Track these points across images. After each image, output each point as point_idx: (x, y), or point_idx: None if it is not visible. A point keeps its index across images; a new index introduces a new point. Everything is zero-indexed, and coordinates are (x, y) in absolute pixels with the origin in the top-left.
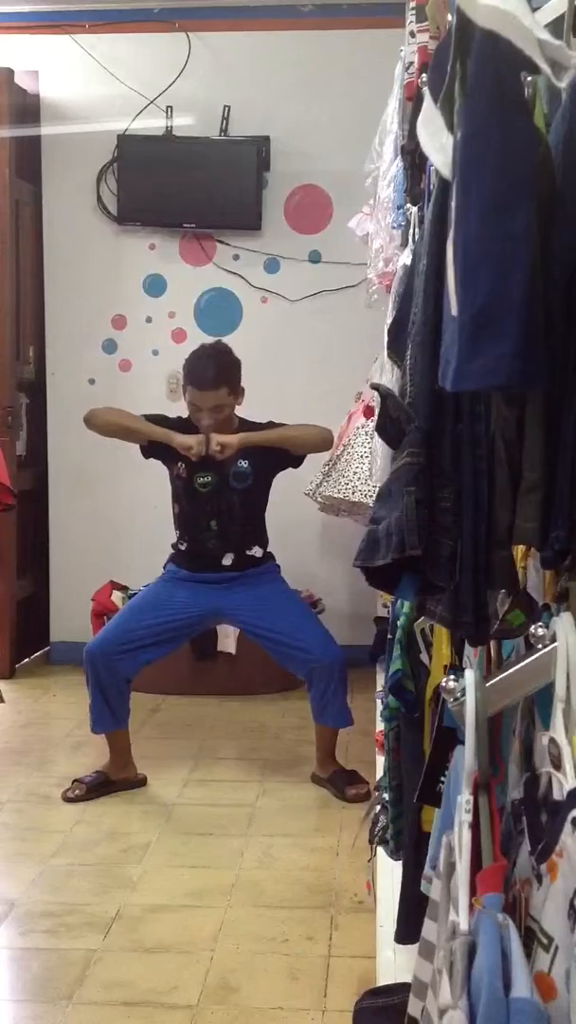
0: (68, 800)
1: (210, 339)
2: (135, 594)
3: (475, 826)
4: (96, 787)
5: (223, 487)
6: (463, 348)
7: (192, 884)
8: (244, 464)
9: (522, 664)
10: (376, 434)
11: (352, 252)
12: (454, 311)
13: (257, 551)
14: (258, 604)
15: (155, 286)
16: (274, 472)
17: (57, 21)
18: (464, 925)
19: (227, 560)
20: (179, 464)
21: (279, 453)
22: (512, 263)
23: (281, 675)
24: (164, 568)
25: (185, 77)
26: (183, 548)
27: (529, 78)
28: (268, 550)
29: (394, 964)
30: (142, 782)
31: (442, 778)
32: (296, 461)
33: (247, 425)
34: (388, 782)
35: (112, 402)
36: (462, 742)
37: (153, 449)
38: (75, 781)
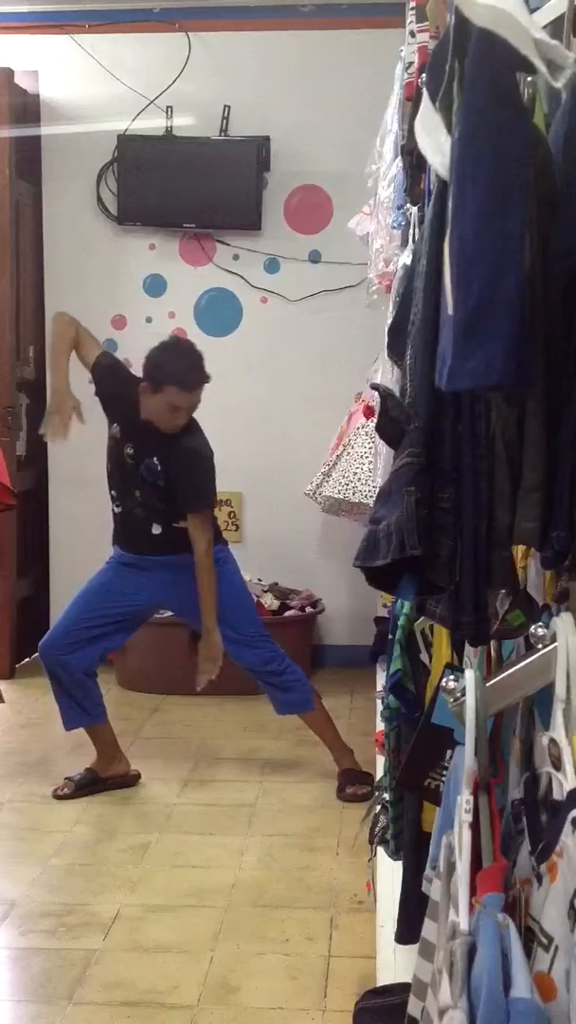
0: (57, 797)
1: (210, 339)
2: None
3: (475, 826)
4: (84, 785)
5: (138, 468)
6: (457, 348)
7: (192, 884)
8: (157, 464)
9: (522, 664)
10: (376, 434)
11: (352, 252)
12: (450, 311)
13: (186, 524)
14: (199, 607)
15: (155, 286)
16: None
17: (57, 21)
18: (464, 925)
19: (156, 529)
20: (115, 425)
21: (179, 495)
22: (505, 264)
23: None
24: (113, 546)
25: (185, 77)
26: (117, 511)
27: (529, 79)
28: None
29: (394, 964)
30: (135, 779)
31: (432, 774)
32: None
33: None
34: (388, 782)
35: None
36: (461, 742)
37: (100, 389)
38: (66, 779)
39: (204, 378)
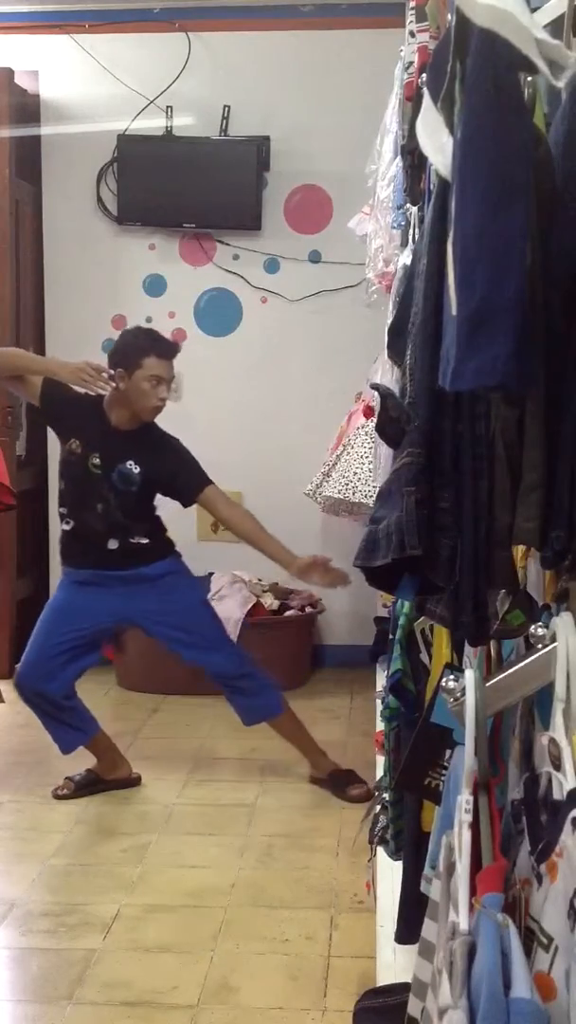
0: (57, 797)
1: (210, 339)
2: None
3: (475, 826)
4: (85, 786)
5: (108, 478)
6: (460, 348)
7: (192, 884)
8: (134, 468)
9: (522, 664)
10: (376, 434)
11: (352, 252)
12: (453, 311)
13: (143, 540)
14: (163, 617)
15: (155, 286)
16: (159, 491)
17: (57, 21)
18: (464, 925)
19: (112, 544)
20: (73, 441)
21: (173, 488)
22: (507, 264)
23: (281, 675)
24: (62, 565)
25: (185, 77)
26: (68, 528)
27: (529, 78)
28: (162, 538)
29: (394, 964)
30: (136, 781)
31: (432, 773)
32: (186, 502)
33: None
34: (388, 782)
35: None
36: (461, 742)
37: (49, 412)
38: (66, 779)
39: (176, 347)
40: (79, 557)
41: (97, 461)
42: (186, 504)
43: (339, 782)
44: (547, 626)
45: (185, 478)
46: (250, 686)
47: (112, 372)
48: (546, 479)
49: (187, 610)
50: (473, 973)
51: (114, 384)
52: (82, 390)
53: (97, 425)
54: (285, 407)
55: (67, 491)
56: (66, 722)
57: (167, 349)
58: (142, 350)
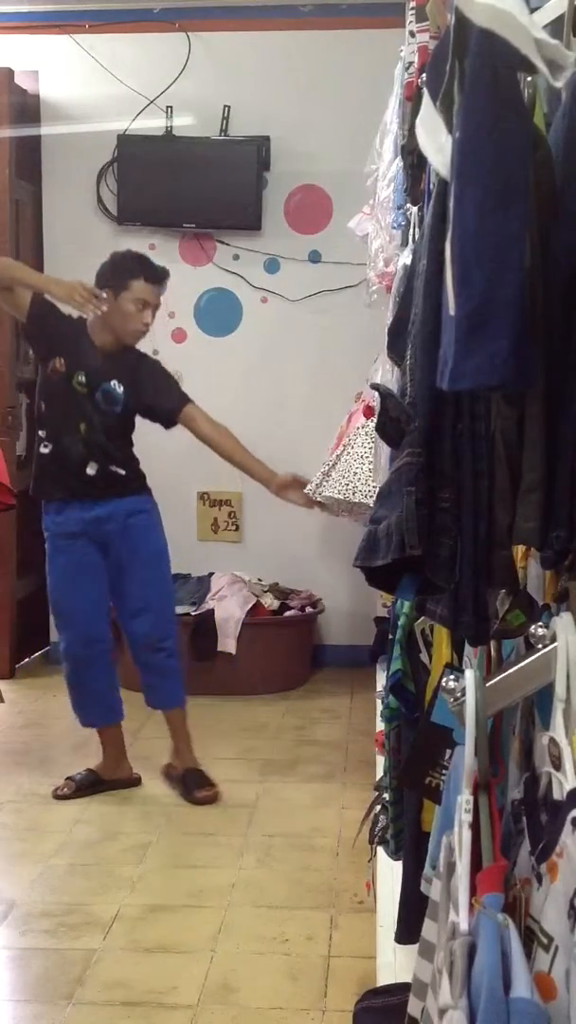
0: (57, 798)
1: (210, 339)
2: None
3: (475, 826)
4: (86, 786)
5: (92, 397)
6: (458, 348)
7: (192, 884)
8: (117, 387)
9: (522, 664)
10: (376, 434)
11: (352, 252)
12: (451, 310)
13: (120, 470)
14: (128, 573)
15: None
16: (140, 412)
17: (57, 21)
18: (464, 925)
19: (91, 469)
20: (56, 359)
21: (156, 405)
22: (506, 264)
23: (281, 675)
24: (44, 512)
25: (185, 77)
26: (47, 451)
27: (529, 78)
28: (138, 471)
29: (394, 964)
30: (136, 781)
31: (433, 773)
32: (168, 422)
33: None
34: (388, 782)
35: None
36: (461, 742)
37: (35, 328)
38: (66, 779)
39: (166, 273)
40: (56, 486)
41: (82, 379)
42: (168, 424)
43: (189, 782)
44: (547, 626)
45: (166, 395)
46: (167, 664)
47: (104, 295)
48: (546, 479)
49: (149, 561)
50: (473, 973)
51: (105, 308)
52: (68, 310)
53: (82, 345)
54: (285, 407)
55: (48, 413)
56: (100, 693)
57: (156, 274)
58: (130, 272)
